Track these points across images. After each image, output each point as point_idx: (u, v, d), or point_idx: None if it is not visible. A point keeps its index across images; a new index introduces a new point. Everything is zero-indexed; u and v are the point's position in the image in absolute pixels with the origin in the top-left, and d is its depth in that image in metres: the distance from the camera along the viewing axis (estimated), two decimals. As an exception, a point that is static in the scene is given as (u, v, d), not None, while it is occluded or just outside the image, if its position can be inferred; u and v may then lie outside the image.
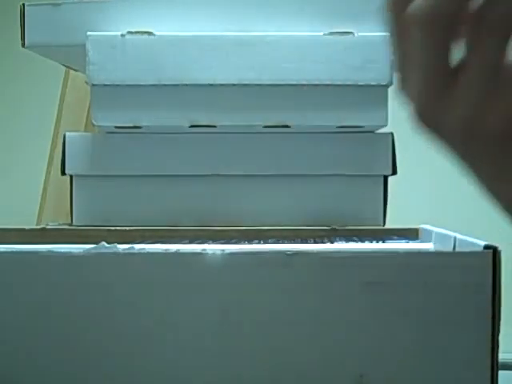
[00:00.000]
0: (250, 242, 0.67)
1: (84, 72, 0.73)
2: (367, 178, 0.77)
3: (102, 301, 0.51)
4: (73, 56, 0.78)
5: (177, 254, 0.50)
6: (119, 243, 0.53)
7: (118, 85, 0.73)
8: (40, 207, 1.33)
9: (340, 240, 0.67)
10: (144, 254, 0.50)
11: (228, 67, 0.72)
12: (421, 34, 0.36)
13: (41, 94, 1.90)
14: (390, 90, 0.73)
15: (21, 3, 0.76)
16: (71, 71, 1.19)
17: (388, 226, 0.78)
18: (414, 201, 1.83)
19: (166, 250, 0.50)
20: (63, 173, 0.77)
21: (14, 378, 0.51)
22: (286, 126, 0.73)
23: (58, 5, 0.75)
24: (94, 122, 0.74)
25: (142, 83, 0.72)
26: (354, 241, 0.67)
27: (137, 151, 0.77)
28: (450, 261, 0.49)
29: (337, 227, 0.74)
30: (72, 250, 0.51)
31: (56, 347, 0.51)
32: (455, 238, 0.55)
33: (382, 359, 0.51)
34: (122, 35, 0.72)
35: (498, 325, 0.49)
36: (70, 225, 0.77)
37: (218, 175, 0.77)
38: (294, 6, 0.74)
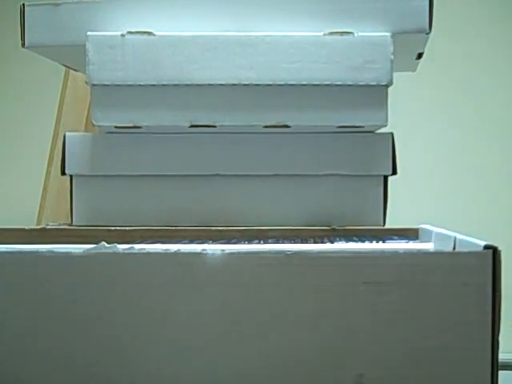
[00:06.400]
0: (250, 241, 0.67)
1: (84, 72, 0.73)
2: (367, 178, 0.77)
3: (102, 301, 0.51)
4: (73, 56, 0.78)
5: (177, 253, 0.50)
6: (119, 243, 0.53)
7: (118, 85, 0.73)
8: (40, 207, 1.33)
9: (340, 240, 0.67)
10: (144, 253, 0.50)
11: (228, 67, 0.72)
12: None
13: (41, 94, 1.90)
14: (390, 90, 0.73)
15: (21, 3, 0.76)
16: (71, 71, 1.19)
17: (388, 225, 0.78)
18: (414, 201, 1.83)
19: (165, 249, 0.50)
20: (63, 173, 0.77)
21: (14, 378, 0.51)
22: (286, 126, 0.73)
23: (58, 5, 0.75)
24: (94, 122, 0.74)
25: (141, 83, 0.72)
26: (353, 241, 0.67)
27: (137, 151, 0.77)
28: (450, 261, 0.49)
29: (337, 227, 0.75)
30: (72, 250, 0.51)
31: (56, 347, 0.51)
32: (455, 238, 0.55)
33: (381, 359, 0.51)
34: (122, 35, 0.72)
35: (498, 325, 0.49)
36: (70, 225, 0.77)
37: (218, 175, 0.77)
38: (294, 6, 0.74)
